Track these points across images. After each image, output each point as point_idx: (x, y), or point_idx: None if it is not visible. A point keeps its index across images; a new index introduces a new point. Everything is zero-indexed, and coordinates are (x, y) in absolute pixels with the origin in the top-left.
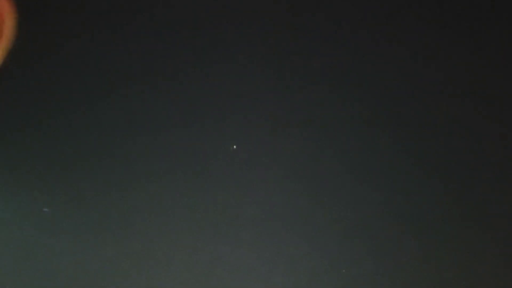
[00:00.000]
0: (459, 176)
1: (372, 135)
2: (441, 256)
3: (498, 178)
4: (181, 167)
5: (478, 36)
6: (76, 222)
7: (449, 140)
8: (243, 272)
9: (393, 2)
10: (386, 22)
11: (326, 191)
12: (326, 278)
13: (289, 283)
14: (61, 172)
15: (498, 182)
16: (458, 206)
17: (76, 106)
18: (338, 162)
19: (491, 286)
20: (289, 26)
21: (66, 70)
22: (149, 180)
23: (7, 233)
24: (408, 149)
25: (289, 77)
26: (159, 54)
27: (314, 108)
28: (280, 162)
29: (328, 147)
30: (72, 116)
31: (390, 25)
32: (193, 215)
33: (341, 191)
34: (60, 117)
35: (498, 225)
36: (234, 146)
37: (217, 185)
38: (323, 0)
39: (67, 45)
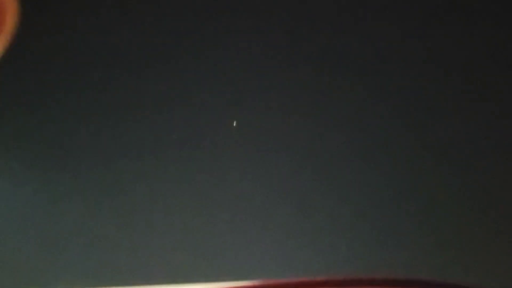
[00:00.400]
0: (461, 157)
1: (374, 114)
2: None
3: (499, 161)
4: (182, 143)
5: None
6: (80, 193)
7: (452, 121)
8: (242, 246)
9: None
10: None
11: (327, 168)
12: (326, 255)
13: (288, 259)
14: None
15: (499, 165)
16: (459, 185)
17: (76, 82)
18: (340, 139)
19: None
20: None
21: (64, 52)
22: (150, 156)
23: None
24: (412, 128)
25: (292, 55)
26: (161, 30)
27: (316, 87)
28: (280, 139)
29: (330, 124)
30: (73, 91)
31: (403, 13)
32: (193, 190)
33: (342, 168)
34: (60, 89)
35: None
36: (235, 123)
37: (218, 161)
38: None
39: (68, 35)
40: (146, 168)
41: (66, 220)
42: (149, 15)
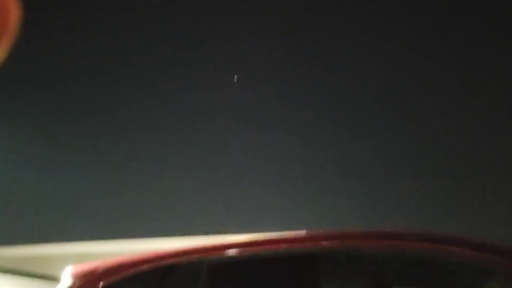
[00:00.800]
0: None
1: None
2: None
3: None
4: (184, 98)
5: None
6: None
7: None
8: (241, 197)
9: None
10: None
11: (328, 124)
12: (328, 208)
13: (290, 214)
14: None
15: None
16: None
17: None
18: (339, 96)
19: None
20: None
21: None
22: (154, 113)
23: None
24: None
25: (293, 20)
26: None
27: (317, 43)
28: (279, 93)
29: (331, 83)
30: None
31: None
32: (196, 143)
33: (344, 126)
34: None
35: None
36: (236, 78)
37: (218, 114)
38: None
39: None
40: (150, 126)
41: (74, 178)
42: None
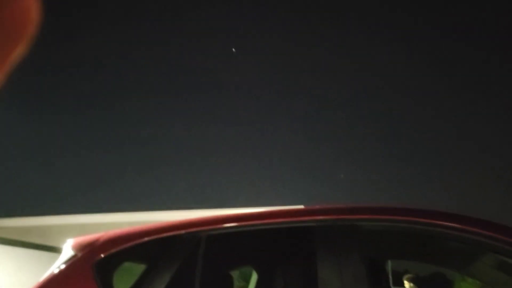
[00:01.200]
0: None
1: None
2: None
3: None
4: (184, 68)
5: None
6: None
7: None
8: (240, 171)
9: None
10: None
11: (323, 98)
12: (325, 182)
13: (287, 188)
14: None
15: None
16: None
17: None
18: (340, 72)
19: None
20: None
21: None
22: (154, 84)
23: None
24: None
25: None
26: None
27: (310, 19)
28: (277, 65)
29: (330, 51)
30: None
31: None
32: (197, 110)
33: (340, 100)
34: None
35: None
36: (234, 49)
37: (218, 83)
38: None
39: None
40: (149, 97)
41: (77, 152)
42: None
